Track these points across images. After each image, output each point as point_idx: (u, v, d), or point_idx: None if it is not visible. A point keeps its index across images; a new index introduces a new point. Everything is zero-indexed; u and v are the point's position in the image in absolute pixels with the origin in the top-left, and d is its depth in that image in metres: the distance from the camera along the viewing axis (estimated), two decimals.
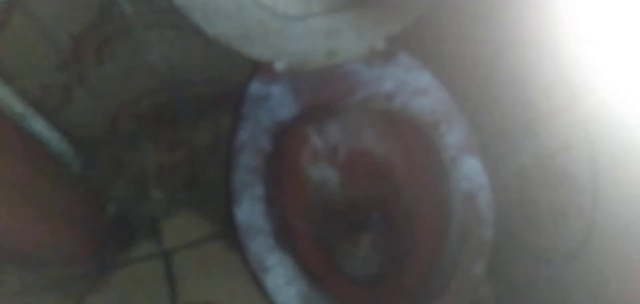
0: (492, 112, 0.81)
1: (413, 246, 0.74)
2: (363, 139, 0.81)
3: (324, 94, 0.76)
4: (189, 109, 1.00)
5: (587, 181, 0.63)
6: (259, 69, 0.76)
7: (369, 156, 0.81)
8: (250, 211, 0.67)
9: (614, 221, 0.59)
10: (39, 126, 0.87)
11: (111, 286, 0.92)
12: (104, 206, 0.96)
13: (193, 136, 1.02)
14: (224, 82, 0.96)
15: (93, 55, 0.83)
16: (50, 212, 0.85)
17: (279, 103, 0.74)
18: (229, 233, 0.92)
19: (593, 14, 0.56)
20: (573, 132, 0.64)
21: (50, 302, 0.90)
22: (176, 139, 1.01)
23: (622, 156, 0.57)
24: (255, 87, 0.75)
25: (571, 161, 0.65)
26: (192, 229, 0.94)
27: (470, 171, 0.69)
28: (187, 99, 0.98)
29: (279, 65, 0.75)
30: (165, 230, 0.95)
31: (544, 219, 0.71)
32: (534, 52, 0.68)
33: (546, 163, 0.71)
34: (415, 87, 0.75)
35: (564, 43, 0.62)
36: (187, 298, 0.91)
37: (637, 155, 0.55)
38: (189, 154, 1.00)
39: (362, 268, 0.79)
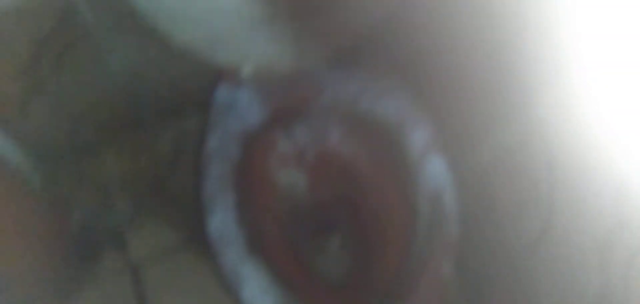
0: (453, 112, 0.83)
1: (382, 246, 0.76)
2: (330, 142, 0.82)
3: (290, 98, 0.77)
4: (150, 115, 0.99)
5: (544, 174, 0.66)
6: (224, 75, 0.76)
7: (336, 158, 0.82)
8: (222, 221, 0.67)
9: (570, 211, 0.62)
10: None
11: (80, 301, 0.90)
12: (67, 219, 0.94)
13: (156, 143, 1.00)
14: (186, 87, 0.95)
15: (52, 63, 0.80)
16: (12, 233, 0.83)
17: (247, 109, 0.74)
18: (198, 243, 0.91)
19: (550, 11, 0.59)
20: (530, 130, 0.68)
21: None
22: (138, 146, 0.99)
23: (576, 151, 0.60)
24: (222, 94, 0.75)
25: (529, 157, 0.68)
26: (160, 239, 0.93)
27: (435, 170, 0.71)
28: (149, 105, 0.96)
29: (245, 71, 0.75)
30: (132, 242, 0.93)
31: (503, 214, 0.74)
32: (493, 52, 0.71)
33: (505, 160, 0.74)
34: (380, 89, 0.77)
35: (521, 41, 0.65)
36: None
37: (591, 149, 0.58)
38: (153, 161, 0.99)
39: (333, 268, 0.81)
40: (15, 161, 0.88)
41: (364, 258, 0.78)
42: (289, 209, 0.81)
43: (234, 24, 0.69)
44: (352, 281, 0.76)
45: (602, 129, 0.56)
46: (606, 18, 0.51)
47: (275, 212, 0.78)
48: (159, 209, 0.95)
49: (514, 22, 0.65)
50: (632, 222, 0.53)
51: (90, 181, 0.96)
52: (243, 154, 0.73)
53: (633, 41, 0.48)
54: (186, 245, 0.91)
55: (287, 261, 0.73)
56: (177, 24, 0.66)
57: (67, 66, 0.81)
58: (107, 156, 0.98)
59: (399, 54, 0.86)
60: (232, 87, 0.75)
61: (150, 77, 0.89)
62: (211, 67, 0.74)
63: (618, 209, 0.55)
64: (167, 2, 0.62)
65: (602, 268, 0.58)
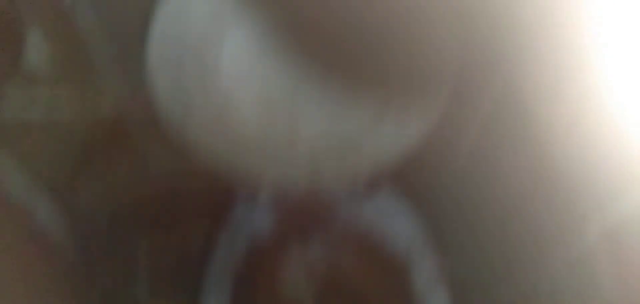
0: (473, 258, 0.81)
1: None
2: (340, 265, 0.82)
3: (304, 219, 0.78)
4: (189, 206, 1.03)
5: None
6: (240, 191, 0.80)
7: (345, 283, 0.82)
8: None
9: None
10: (43, 212, 0.91)
11: None
12: (91, 285, 0.98)
13: (190, 235, 1.04)
14: (226, 186, 0.99)
15: (104, 147, 0.87)
16: (31, 287, 0.88)
17: (259, 222, 0.77)
18: None
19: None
20: (541, 282, 0.64)
21: None
22: (170, 225, 1.04)
23: None
24: (239, 210, 0.78)
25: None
26: None
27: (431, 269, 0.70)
28: (189, 195, 1.01)
29: (261, 188, 0.78)
30: None
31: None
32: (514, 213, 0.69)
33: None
34: (394, 213, 0.77)
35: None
36: None
37: None
38: (179, 243, 1.02)
39: None
40: (46, 218, 0.95)
41: None
42: None
43: (252, 136, 0.72)
44: None
45: None
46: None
47: None
48: (180, 289, 0.97)
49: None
50: None
51: (119, 251, 1.01)
52: (248, 265, 0.74)
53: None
54: None
55: None
56: (191, 130, 0.69)
57: (116, 155, 0.87)
58: (139, 228, 1.02)
59: (423, 190, 0.85)
60: (246, 204, 0.78)
61: (188, 179, 0.94)
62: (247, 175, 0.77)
63: None
64: (194, 119, 0.67)
65: None
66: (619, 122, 0.49)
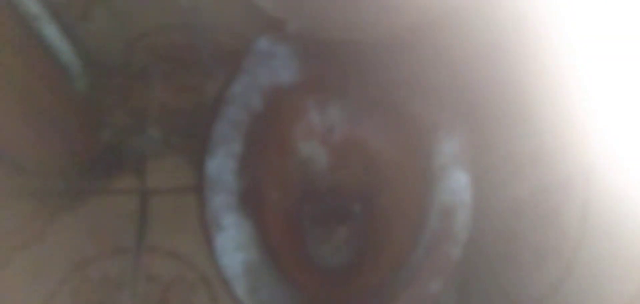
0: (502, 136, 0.76)
1: (383, 247, 0.70)
2: (360, 128, 0.77)
3: (330, 70, 0.73)
4: (205, 56, 0.99)
5: (574, 226, 0.58)
6: (270, 25, 0.74)
7: (363, 146, 0.77)
8: (221, 166, 0.65)
9: (588, 277, 0.53)
10: (53, 32, 0.87)
11: (85, 209, 0.92)
12: (99, 130, 0.96)
13: (203, 85, 1.00)
14: (244, 38, 0.94)
15: None
16: (44, 120, 0.85)
17: (282, 65, 0.71)
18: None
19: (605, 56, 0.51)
20: (573, 173, 0.59)
21: (23, 210, 0.90)
22: (186, 83, 1.00)
23: (614, 210, 0.52)
24: (262, 43, 0.72)
25: (564, 202, 0.60)
26: (177, 176, 0.93)
27: (456, 185, 0.65)
28: (205, 46, 0.96)
29: (292, 26, 0.72)
30: (151, 170, 0.94)
31: (523, 258, 0.66)
32: (549, 86, 0.63)
33: (540, 199, 0.65)
34: (426, 84, 0.71)
35: (576, 81, 0.57)
36: (152, 241, 0.90)
37: (630, 213, 0.50)
38: (195, 102, 0.99)
39: (329, 257, 0.76)
40: (67, 60, 0.91)
41: (363, 255, 0.73)
42: (302, 182, 0.77)
43: None
44: (342, 274, 0.71)
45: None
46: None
47: (285, 178, 0.75)
48: (185, 148, 0.95)
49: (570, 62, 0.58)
50: None
51: (130, 101, 0.98)
52: (265, 109, 0.70)
53: None
54: (197, 189, 0.90)
55: (281, 231, 0.70)
56: None
57: None
58: (153, 83, 0.99)
59: (453, 59, 0.79)
60: (274, 39, 0.72)
61: (211, 16, 0.89)
62: (262, 16, 0.72)
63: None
64: None
65: None
66: None
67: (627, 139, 0.50)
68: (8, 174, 0.88)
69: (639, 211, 0.48)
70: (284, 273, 0.65)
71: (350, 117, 0.77)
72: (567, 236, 0.59)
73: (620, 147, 0.51)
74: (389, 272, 0.66)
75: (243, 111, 0.68)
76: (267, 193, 0.71)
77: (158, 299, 0.89)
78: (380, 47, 0.73)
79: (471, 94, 0.75)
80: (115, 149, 0.95)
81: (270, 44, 0.72)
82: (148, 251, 0.91)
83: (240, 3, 0.85)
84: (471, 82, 0.76)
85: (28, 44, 0.82)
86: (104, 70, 0.96)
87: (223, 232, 0.62)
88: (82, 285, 0.90)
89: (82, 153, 0.94)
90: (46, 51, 0.87)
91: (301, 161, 0.77)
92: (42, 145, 0.87)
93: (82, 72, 0.93)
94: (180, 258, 0.90)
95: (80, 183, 0.94)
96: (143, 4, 0.86)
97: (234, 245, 0.62)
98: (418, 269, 0.61)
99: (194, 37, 0.94)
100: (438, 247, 0.62)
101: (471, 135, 0.69)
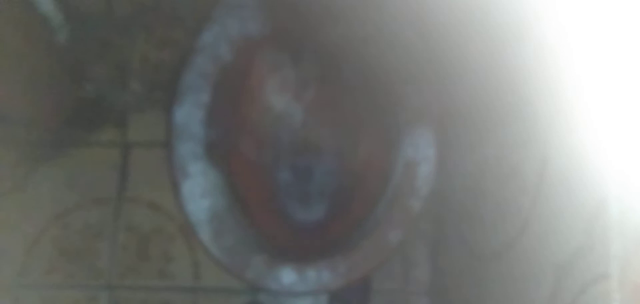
0: (473, 96, 0.76)
1: (351, 201, 0.71)
2: (334, 84, 0.78)
3: (300, 20, 0.73)
4: (188, 10, 0.98)
5: (533, 183, 0.58)
6: None
7: (336, 103, 0.78)
8: (188, 115, 0.66)
9: (542, 232, 0.54)
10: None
11: (67, 160, 0.93)
12: (81, 82, 0.97)
13: (186, 40, 1.00)
14: None
15: None
16: (25, 71, 0.86)
17: (252, 16, 0.71)
18: None
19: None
20: (534, 130, 0.60)
21: (6, 158, 0.92)
22: (169, 37, 1.00)
23: (569, 166, 0.53)
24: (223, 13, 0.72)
25: (525, 159, 0.61)
26: (158, 130, 0.93)
27: (420, 139, 0.65)
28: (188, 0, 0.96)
29: None
30: (133, 123, 0.95)
31: (486, 214, 0.67)
32: (519, 46, 0.63)
33: (504, 156, 0.66)
34: (395, 37, 0.71)
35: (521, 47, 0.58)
36: (133, 193, 0.91)
37: (583, 170, 0.50)
38: (177, 56, 0.99)
39: (299, 211, 0.77)
40: (47, 11, 0.92)
41: (332, 209, 0.74)
42: (273, 136, 0.78)
43: None
44: (311, 228, 0.73)
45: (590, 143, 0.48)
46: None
47: (256, 132, 0.76)
48: (167, 102, 0.96)
49: (512, 28, 0.58)
50: (599, 246, 0.45)
51: (112, 54, 0.98)
52: (235, 60, 0.70)
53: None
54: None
55: (250, 181, 0.71)
56: None
57: None
58: (136, 36, 0.99)
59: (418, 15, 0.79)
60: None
61: None
62: None
63: (589, 231, 0.47)
64: None
65: (554, 291, 0.50)
66: None
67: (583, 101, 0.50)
68: None
69: (590, 168, 0.49)
70: (252, 222, 0.66)
71: (322, 74, 0.77)
72: (526, 191, 0.59)
73: (577, 107, 0.52)
74: (354, 223, 0.67)
75: (211, 62, 0.69)
76: (237, 144, 0.72)
77: (137, 249, 0.91)
78: (350, 2, 0.73)
79: (441, 55, 0.75)
80: (97, 102, 0.96)
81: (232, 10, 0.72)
82: (128, 202, 0.93)
83: None
84: (441, 44, 0.76)
85: None
86: (85, 22, 0.96)
87: (189, 179, 0.63)
88: (63, 233, 0.92)
89: (63, 105, 0.95)
90: (26, 1, 0.87)
91: (274, 115, 0.78)
92: (24, 96, 0.88)
93: (62, 24, 0.94)
94: (160, 209, 0.92)
95: (63, 134, 0.95)
96: None
97: (200, 192, 0.63)
98: (379, 221, 0.63)
99: None
100: (399, 200, 0.63)
101: (438, 92, 0.70)
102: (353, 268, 0.60)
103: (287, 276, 0.62)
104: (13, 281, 0.90)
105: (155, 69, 0.98)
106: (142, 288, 0.90)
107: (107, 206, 0.93)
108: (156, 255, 0.91)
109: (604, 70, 0.46)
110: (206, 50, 0.68)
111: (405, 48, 0.69)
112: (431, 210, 0.82)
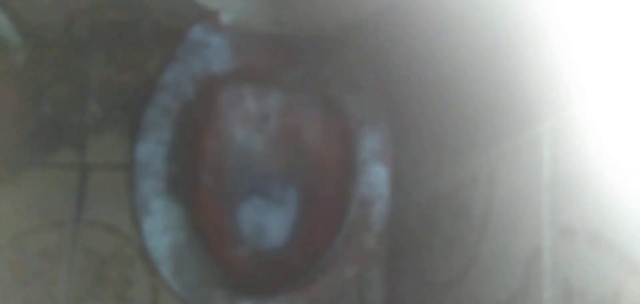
0: (425, 133, 0.80)
1: (309, 232, 0.74)
2: (295, 117, 0.81)
3: (263, 60, 0.75)
4: (147, 35, 0.99)
5: (478, 221, 0.63)
6: (204, 15, 0.75)
7: (296, 136, 0.81)
8: (150, 152, 0.67)
9: (487, 268, 0.59)
10: None
11: (24, 182, 0.92)
12: (38, 103, 0.96)
13: (145, 63, 1.01)
14: (184, 18, 0.95)
15: None
16: None
17: (216, 55, 0.73)
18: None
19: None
20: (481, 171, 0.64)
21: None
22: (128, 60, 1.00)
23: (510, 210, 0.57)
24: (196, 32, 0.74)
25: (472, 198, 0.65)
26: (117, 152, 0.94)
27: (376, 179, 0.69)
28: (148, 24, 0.97)
29: (225, 17, 0.74)
30: (91, 145, 0.95)
31: (436, 246, 0.71)
32: (474, 81, 0.68)
33: (453, 193, 0.71)
34: (352, 81, 0.74)
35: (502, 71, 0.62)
36: (90, 215, 0.92)
37: (522, 215, 0.55)
38: (137, 78, 1.00)
39: (259, 240, 0.79)
40: (4, 30, 0.90)
41: (290, 239, 0.77)
42: (234, 167, 0.80)
43: None
44: (270, 257, 0.75)
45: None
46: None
47: (218, 163, 0.77)
48: (126, 124, 0.96)
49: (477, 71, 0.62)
50: (533, 293, 0.50)
51: (72, 76, 0.98)
52: (198, 97, 0.72)
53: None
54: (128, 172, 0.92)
55: (211, 213, 0.73)
56: None
57: None
58: (95, 59, 0.99)
59: (383, 55, 0.83)
60: (207, 28, 0.74)
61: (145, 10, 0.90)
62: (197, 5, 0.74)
63: (526, 276, 0.51)
64: None
65: None
66: None
67: (521, 145, 0.55)
68: None
69: (528, 215, 0.53)
70: (213, 255, 0.68)
71: (284, 108, 0.80)
72: (472, 229, 0.64)
73: (518, 153, 0.56)
74: (313, 257, 0.70)
75: (175, 99, 0.70)
76: (199, 177, 0.74)
77: (95, 272, 0.92)
78: (313, 41, 0.76)
79: (397, 92, 0.79)
80: (55, 123, 0.96)
81: (203, 33, 0.74)
82: (86, 225, 0.93)
83: None
84: (398, 82, 0.80)
85: None
86: (43, 44, 0.95)
87: (151, 216, 0.65)
88: (20, 257, 0.91)
89: (20, 127, 0.94)
90: None
91: (236, 147, 0.80)
92: None
93: (20, 45, 0.93)
94: (119, 232, 0.92)
95: (21, 156, 0.94)
96: None
97: (161, 228, 0.65)
98: (336, 256, 0.66)
99: (134, 15, 0.94)
100: (355, 236, 0.66)
101: (394, 132, 0.73)
102: (311, 303, 0.63)
103: None
104: None
105: (116, 91, 0.98)
106: None
107: (65, 228, 0.92)
108: (114, 279, 0.91)
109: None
110: (169, 88, 0.70)
111: (365, 90, 0.73)
112: (386, 234, 0.86)
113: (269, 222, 0.80)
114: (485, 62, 0.64)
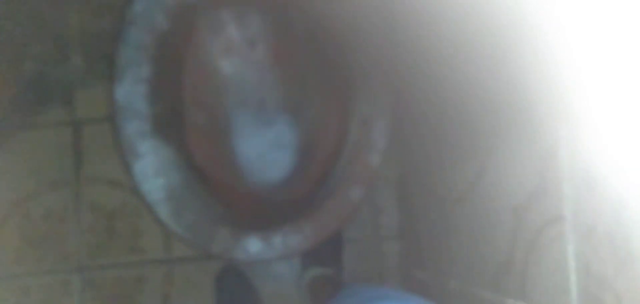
0: (431, 47, 0.74)
1: (310, 160, 0.70)
2: (283, 41, 0.75)
3: None
4: None
5: (484, 128, 0.57)
6: None
7: (287, 60, 0.75)
8: (130, 92, 0.63)
9: (498, 169, 0.54)
10: None
11: (17, 146, 0.89)
12: (19, 63, 0.91)
13: (123, 6, 0.94)
14: None
15: None
16: None
17: None
18: None
19: None
20: (485, 80, 0.58)
21: None
22: (104, 5, 0.94)
23: (521, 109, 0.52)
24: None
25: (477, 111, 0.59)
26: (106, 103, 0.89)
27: (373, 94, 0.63)
28: None
29: None
30: (79, 100, 0.90)
31: (445, 159, 0.66)
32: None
33: (461, 101, 0.65)
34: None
35: None
36: (90, 172, 0.88)
37: (534, 112, 0.49)
38: (116, 24, 0.93)
39: (258, 173, 0.76)
40: None
41: (291, 168, 0.73)
42: (225, 100, 0.75)
43: None
44: (271, 190, 0.71)
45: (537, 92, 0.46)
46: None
47: (206, 98, 0.73)
48: (111, 74, 0.91)
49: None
50: (552, 190, 0.45)
51: (49, 29, 0.92)
52: (172, 27, 0.66)
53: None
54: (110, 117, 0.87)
55: (206, 150, 0.69)
56: None
57: None
58: (71, 9, 0.93)
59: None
60: None
61: None
62: None
63: (542, 174, 0.46)
64: None
65: (513, 234, 0.50)
66: None
67: None
68: None
69: (541, 110, 0.48)
70: (211, 193, 0.65)
71: (271, 32, 0.74)
72: (480, 136, 0.58)
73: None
74: (316, 184, 0.66)
75: (147, 33, 0.65)
76: (188, 114, 0.70)
77: (104, 228, 0.89)
78: None
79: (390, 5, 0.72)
80: (40, 82, 0.91)
81: None
82: (87, 181, 0.90)
83: None
84: None
85: None
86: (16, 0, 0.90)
87: (140, 159, 0.61)
88: (25, 222, 0.89)
89: (5, 89, 0.90)
90: None
91: (225, 79, 0.75)
92: None
93: None
94: (121, 184, 0.89)
95: (9, 120, 0.90)
96: None
97: (153, 171, 0.61)
98: (341, 179, 0.62)
99: None
100: (359, 156, 0.62)
101: (391, 42, 0.67)
102: (318, 229, 0.60)
103: (254, 245, 0.61)
104: None
105: (95, 38, 0.93)
106: (114, 266, 0.89)
107: (67, 188, 0.90)
108: (124, 232, 0.89)
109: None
110: (140, 20, 0.64)
111: (350, 3, 0.66)
112: (395, 157, 0.81)
113: (269, 153, 0.76)
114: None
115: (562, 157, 0.42)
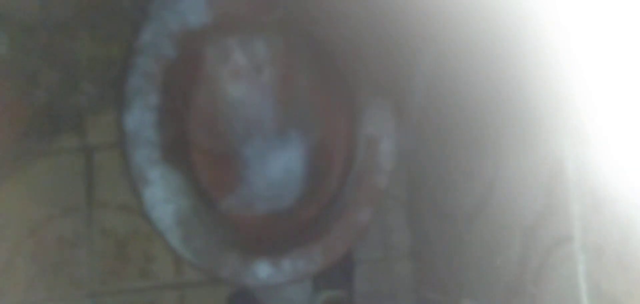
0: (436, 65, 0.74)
1: (318, 181, 0.70)
2: (288, 64, 0.75)
3: (241, 6, 0.70)
4: (129, 3, 0.94)
5: (491, 146, 0.57)
6: None
7: (293, 82, 0.76)
8: (138, 120, 0.63)
9: (507, 188, 0.54)
10: None
11: (30, 173, 0.90)
12: (30, 92, 0.93)
13: (131, 33, 0.96)
14: None
15: None
16: None
17: (190, 7, 0.68)
18: None
19: None
20: (490, 97, 0.58)
21: None
22: (112, 33, 0.96)
23: (527, 124, 0.51)
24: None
25: (483, 128, 0.59)
26: (117, 129, 0.91)
27: (378, 115, 0.64)
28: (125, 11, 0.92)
29: None
30: (90, 126, 0.92)
31: (453, 179, 0.66)
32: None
33: (468, 119, 0.65)
34: (341, 15, 0.68)
35: None
36: (102, 197, 0.89)
37: (540, 127, 0.49)
38: (124, 50, 0.95)
39: (267, 196, 0.76)
40: None
41: (300, 191, 0.73)
42: (233, 125, 0.75)
43: None
44: (280, 213, 0.72)
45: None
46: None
47: (215, 124, 0.73)
48: (121, 101, 0.92)
49: None
50: (560, 209, 0.45)
51: (58, 58, 0.94)
52: (180, 55, 0.67)
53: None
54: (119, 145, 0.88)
55: (213, 175, 0.69)
56: None
57: None
58: (80, 37, 0.95)
59: None
60: None
61: None
62: None
63: (550, 193, 0.46)
64: None
65: (523, 253, 0.50)
66: None
67: None
68: None
69: (547, 125, 0.47)
70: (220, 218, 0.65)
71: (276, 56, 0.74)
72: (487, 155, 0.58)
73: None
74: (324, 206, 0.66)
75: (155, 61, 0.66)
76: (196, 140, 0.70)
77: (116, 254, 0.90)
78: None
79: (391, 28, 0.72)
80: (51, 110, 0.93)
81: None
82: (99, 207, 0.91)
83: None
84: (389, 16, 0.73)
85: None
86: (24, 30, 0.91)
87: (150, 186, 0.62)
88: (38, 248, 0.90)
89: (17, 119, 0.91)
90: None
91: (231, 104, 0.75)
92: None
93: (0, 35, 0.89)
94: (133, 210, 0.90)
95: (21, 148, 0.92)
96: None
97: (162, 197, 0.62)
98: (348, 201, 0.62)
99: None
100: (365, 178, 0.62)
101: (396, 63, 0.67)
102: (327, 252, 0.60)
103: (263, 269, 0.61)
104: None
105: (105, 66, 0.94)
106: (125, 291, 0.90)
107: (79, 214, 0.91)
108: (136, 256, 0.90)
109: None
110: (147, 49, 0.65)
111: (352, 24, 0.67)
112: (403, 176, 0.81)
113: (276, 176, 0.76)
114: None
115: (569, 175, 0.42)
